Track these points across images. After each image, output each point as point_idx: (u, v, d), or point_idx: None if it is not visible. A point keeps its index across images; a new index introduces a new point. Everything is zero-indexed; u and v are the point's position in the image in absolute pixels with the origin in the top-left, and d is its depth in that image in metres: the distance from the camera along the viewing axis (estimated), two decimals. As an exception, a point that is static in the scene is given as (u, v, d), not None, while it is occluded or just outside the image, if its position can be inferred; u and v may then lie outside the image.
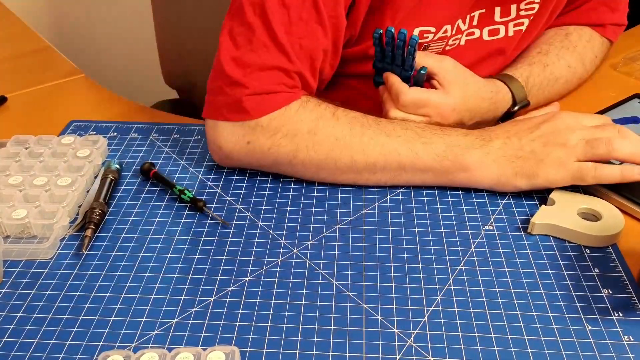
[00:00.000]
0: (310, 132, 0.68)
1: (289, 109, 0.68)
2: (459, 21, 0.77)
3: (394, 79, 0.73)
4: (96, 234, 0.65)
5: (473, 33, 0.80)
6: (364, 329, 0.55)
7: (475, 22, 0.79)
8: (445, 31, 0.77)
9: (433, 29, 0.76)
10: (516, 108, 0.78)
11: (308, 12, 0.68)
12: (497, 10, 0.79)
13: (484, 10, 0.78)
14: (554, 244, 0.64)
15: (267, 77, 0.68)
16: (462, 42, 0.81)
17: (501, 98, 0.77)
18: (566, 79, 0.84)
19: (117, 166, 0.73)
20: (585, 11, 0.89)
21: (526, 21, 0.81)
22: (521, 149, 0.68)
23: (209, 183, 0.73)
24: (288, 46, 0.68)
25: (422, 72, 0.72)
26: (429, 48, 0.79)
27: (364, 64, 0.78)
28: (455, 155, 0.68)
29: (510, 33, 0.82)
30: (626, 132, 0.67)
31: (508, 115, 0.79)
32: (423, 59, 0.73)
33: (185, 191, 0.69)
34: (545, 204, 0.67)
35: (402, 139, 0.68)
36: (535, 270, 0.61)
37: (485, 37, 0.81)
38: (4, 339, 0.54)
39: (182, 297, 0.58)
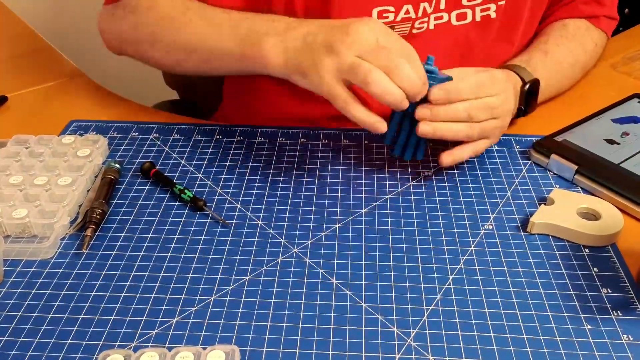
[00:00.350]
0: (149, 8, 0.76)
1: None
2: (425, 4, 0.77)
3: (458, 86, 0.67)
4: (96, 234, 0.65)
5: (442, 17, 0.79)
6: (363, 328, 0.55)
7: (442, 6, 0.78)
8: (407, 12, 0.76)
9: (392, 8, 0.75)
10: (527, 86, 0.77)
11: None
12: None
13: None
14: (553, 243, 0.64)
15: None
16: (432, 27, 0.80)
17: (515, 82, 0.76)
18: (569, 63, 0.84)
19: (117, 166, 0.73)
20: (576, 6, 0.89)
21: (493, 6, 0.80)
22: (304, 41, 0.66)
23: (209, 183, 0.73)
24: None
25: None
26: (394, 29, 0.77)
27: None
28: (253, 41, 0.68)
29: (478, 18, 0.81)
30: (399, 67, 0.61)
31: (525, 98, 0.77)
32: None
33: (186, 190, 0.69)
34: (545, 204, 0.68)
35: (215, 21, 0.71)
36: (534, 270, 0.61)
37: (454, 21, 0.80)
38: (4, 339, 0.54)
39: (182, 297, 0.58)
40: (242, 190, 0.71)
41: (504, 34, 0.85)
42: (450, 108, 0.66)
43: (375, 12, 0.75)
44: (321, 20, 0.67)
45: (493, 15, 0.81)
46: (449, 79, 0.68)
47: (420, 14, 0.77)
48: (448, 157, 0.70)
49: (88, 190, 0.71)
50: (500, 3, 0.81)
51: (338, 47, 0.62)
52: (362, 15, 0.67)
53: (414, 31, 0.79)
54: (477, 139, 0.70)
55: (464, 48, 0.83)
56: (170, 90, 1.29)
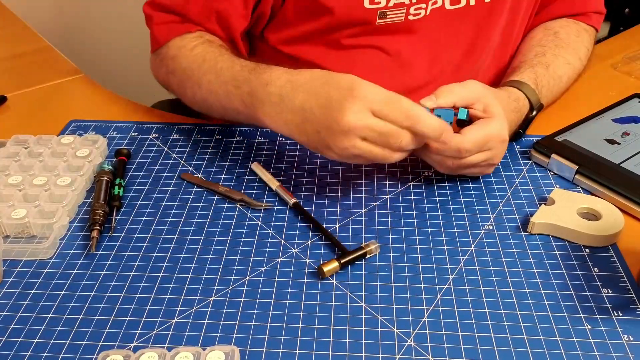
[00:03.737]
0: (173, 58, 0.79)
1: (172, 41, 0.80)
2: None
3: (439, 147, 0.66)
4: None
5: (436, 2, 0.79)
6: (363, 328, 0.55)
7: None
8: None
9: None
10: (534, 113, 0.77)
11: None
12: None
13: None
14: (553, 243, 0.64)
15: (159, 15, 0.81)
16: (428, 12, 0.79)
17: (522, 105, 0.76)
18: (568, 76, 0.84)
19: (111, 167, 0.73)
20: (569, 1, 0.89)
21: None
22: (303, 117, 0.63)
23: (212, 179, 0.73)
24: None
25: (462, 117, 0.67)
26: (387, 15, 0.77)
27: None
28: (254, 107, 0.68)
29: (472, 2, 0.80)
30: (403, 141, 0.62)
31: (527, 123, 0.78)
32: (448, 96, 0.66)
33: (116, 188, 0.70)
34: (545, 204, 0.67)
35: (222, 79, 0.72)
36: (534, 270, 0.61)
37: (448, 5, 0.80)
38: (4, 339, 0.54)
39: (182, 297, 0.58)
40: (242, 191, 0.71)
41: (502, 19, 0.84)
42: (440, 162, 0.68)
43: None
44: (313, 83, 0.63)
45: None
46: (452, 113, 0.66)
47: (414, 0, 0.77)
48: None
49: (87, 191, 0.71)
50: None
51: (337, 141, 0.61)
52: (352, 5, 0.69)
53: (410, 17, 0.78)
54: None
55: (464, 35, 0.83)
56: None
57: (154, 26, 0.83)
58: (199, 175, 0.74)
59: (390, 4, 0.76)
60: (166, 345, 0.53)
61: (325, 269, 0.59)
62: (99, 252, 0.63)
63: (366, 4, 0.76)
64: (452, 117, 0.66)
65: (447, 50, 0.83)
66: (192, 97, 0.78)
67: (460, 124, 0.67)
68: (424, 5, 0.78)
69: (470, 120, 0.67)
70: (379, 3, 0.76)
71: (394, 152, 0.62)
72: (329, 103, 0.61)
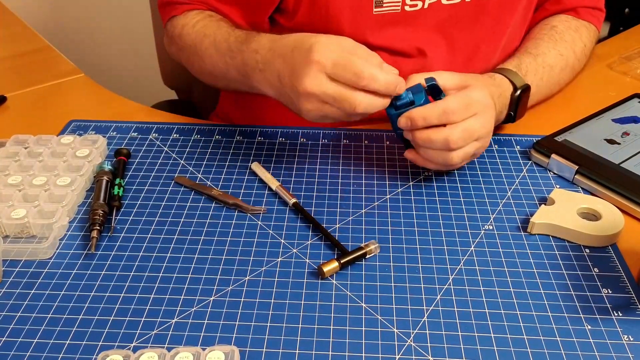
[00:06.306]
0: (180, 35, 0.84)
1: (177, 18, 0.85)
2: None
3: (424, 112, 0.66)
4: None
5: None
6: (363, 328, 0.55)
7: None
8: None
9: None
10: (518, 92, 0.76)
11: None
12: None
13: None
14: (553, 243, 0.64)
15: None
16: (426, 6, 0.79)
17: (505, 89, 0.76)
18: (561, 67, 0.84)
19: (111, 167, 0.73)
20: None
21: None
22: (280, 82, 0.68)
23: (209, 183, 0.73)
24: None
25: (430, 82, 0.66)
26: (383, 4, 0.77)
27: None
28: (248, 75, 0.73)
29: None
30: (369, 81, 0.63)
31: (515, 104, 0.77)
32: (418, 78, 0.67)
33: (116, 188, 0.70)
34: (545, 204, 0.67)
35: (220, 52, 0.77)
36: (534, 270, 0.61)
37: (444, 0, 0.79)
38: (4, 339, 0.54)
39: (182, 297, 0.58)
40: (242, 191, 0.71)
41: (498, 14, 0.83)
42: (427, 139, 0.66)
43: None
44: (286, 49, 0.67)
45: None
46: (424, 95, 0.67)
47: None
48: None
49: (87, 191, 0.71)
50: None
51: (302, 105, 0.65)
52: None
53: (407, 8, 0.78)
54: (460, 164, 0.69)
55: (457, 29, 0.82)
56: (169, 90, 1.29)
57: (159, 7, 0.90)
58: (198, 175, 0.74)
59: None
60: (166, 346, 0.53)
61: (325, 269, 0.59)
62: (99, 252, 0.63)
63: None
64: (424, 96, 0.66)
65: (437, 45, 0.83)
66: (199, 71, 0.85)
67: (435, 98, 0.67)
68: None
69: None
70: None
71: (352, 115, 0.65)
72: (293, 68, 0.65)
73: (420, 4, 0.79)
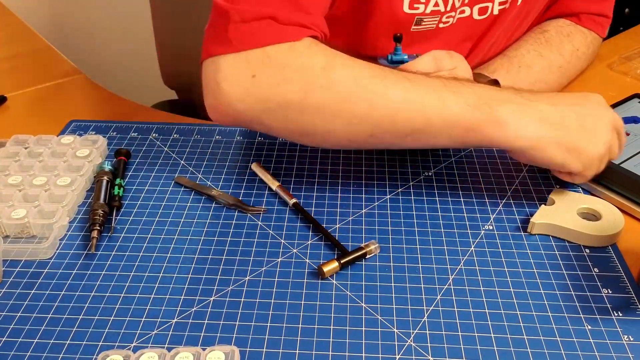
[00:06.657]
0: (325, 68, 0.59)
1: (300, 43, 0.60)
2: None
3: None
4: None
5: (464, 11, 0.79)
6: (363, 328, 0.55)
7: (466, 0, 0.77)
8: (437, 4, 0.75)
9: (423, 0, 0.74)
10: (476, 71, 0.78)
11: None
12: None
13: None
14: (553, 243, 0.64)
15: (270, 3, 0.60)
16: (455, 21, 0.79)
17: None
18: (542, 67, 0.84)
19: (111, 167, 0.73)
20: (569, 1, 0.89)
21: None
22: (568, 119, 0.61)
23: (209, 183, 0.73)
24: None
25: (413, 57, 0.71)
26: (422, 22, 0.77)
27: None
28: (490, 107, 0.59)
29: (495, 11, 0.80)
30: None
31: None
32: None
33: (116, 187, 0.70)
34: (545, 204, 0.67)
35: (428, 86, 0.60)
36: (534, 270, 0.61)
37: (476, 15, 0.79)
38: (4, 339, 0.54)
39: (182, 297, 0.58)
40: (242, 191, 0.71)
41: (516, 25, 0.85)
42: None
43: (406, 1, 0.73)
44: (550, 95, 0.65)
45: (507, 7, 0.80)
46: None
47: (449, 8, 0.76)
48: None
49: (87, 191, 0.71)
50: None
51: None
52: (394, 6, 0.72)
53: (441, 25, 0.78)
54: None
55: (478, 42, 0.83)
56: (169, 91, 1.29)
57: (277, 26, 0.60)
58: (198, 175, 0.74)
59: (428, 11, 0.75)
60: (166, 346, 0.53)
61: (325, 269, 0.59)
62: (99, 252, 0.63)
63: (405, 9, 0.74)
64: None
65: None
66: (346, 121, 0.60)
67: None
68: (453, 14, 0.78)
69: None
70: (417, 9, 0.75)
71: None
72: (583, 122, 0.62)
73: (451, 20, 0.79)
